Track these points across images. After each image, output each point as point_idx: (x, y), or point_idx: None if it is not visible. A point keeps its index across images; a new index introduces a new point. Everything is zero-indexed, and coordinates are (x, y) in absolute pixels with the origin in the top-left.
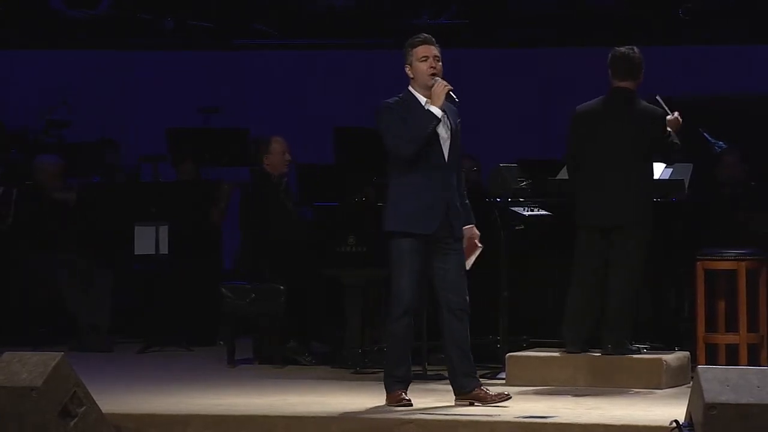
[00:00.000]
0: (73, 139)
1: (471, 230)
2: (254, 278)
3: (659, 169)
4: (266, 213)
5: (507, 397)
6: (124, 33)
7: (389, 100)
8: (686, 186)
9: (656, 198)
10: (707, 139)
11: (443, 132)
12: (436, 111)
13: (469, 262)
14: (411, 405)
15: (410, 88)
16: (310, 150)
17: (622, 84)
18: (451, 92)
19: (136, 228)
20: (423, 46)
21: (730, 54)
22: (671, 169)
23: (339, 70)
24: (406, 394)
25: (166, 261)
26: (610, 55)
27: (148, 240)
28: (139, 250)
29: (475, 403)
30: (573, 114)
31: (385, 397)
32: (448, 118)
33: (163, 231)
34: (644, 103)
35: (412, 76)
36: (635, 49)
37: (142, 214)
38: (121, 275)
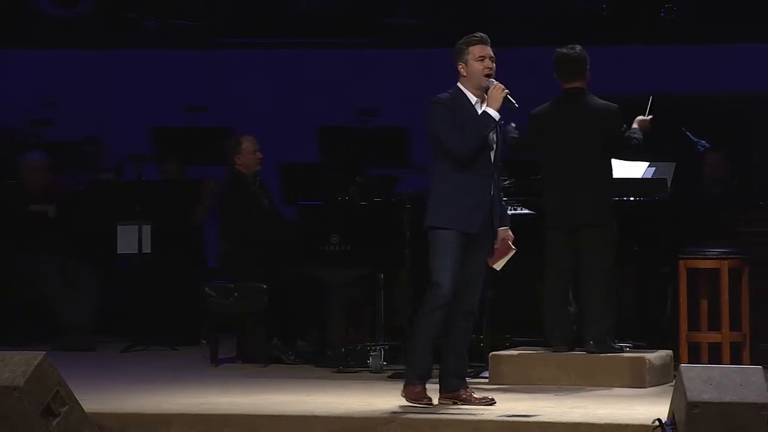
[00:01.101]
0: (57, 138)
1: (506, 232)
2: (238, 277)
3: (642, 168)
4: (243, 213)
5: (491, 402)
6: (109, 32)
7: (441, 96)
8: (669, 185)
9: (639, 197)
10: (690, 138)
11: (493, 134)
12: (495, 114)
13: (501, 264)
14: (432, 404)
15: (460, 85)
16: (294, 149)
17: (573, 84)
18: (509, 96)
19: (118, 227)
20: (480, 45)
21: (713, 54)
22: (654, 168)
23: (323, 69)
24: (425, 390)
25: (150, 260)
26: (553, 57)
27: (131, 239)
28: (121, 249)
29: (459, 403)
30: (529, 117)
31: (403, 389)
32: None
33: (146, 230)
34: (599, 100)
35: (465, 74)
36: (576, 47)
37: (125, 213)
38: (104, 274)
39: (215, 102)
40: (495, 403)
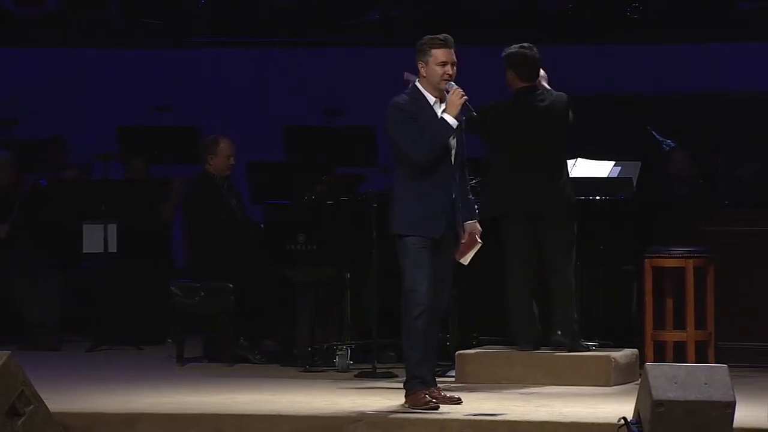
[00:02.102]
0: (23, 136)
1: (474, 225)
2: (204, 276)
3: (607, 168)
4: (208, 213)
5: (458, 401)
6: (75, 30)
7: (398, 99)
8: (634, 184)
9: (604, 196)
10: (656, 137)
11: (453, 138)
12: (452, 121)
13: (468, 258)
14: (438, 407)
15: (418, 84)
16: (263, 149)
17: (529, 83)
18: (467, 103)
19: (84, 226)
20: (443, 50)
21: (679, 53)
22: (620, 168)
23: (291, 68)
24: (428, 395)
25: (115, 259)
26: (511, 56)
27: (97, 238)
28: (87, 248)
29: None
30: (481, 108)
31: (407, 398)
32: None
33: (112, 229)
34: (553, 92)
35: (424, 74)
36: (533, 47)
37: (91, 212)
38: (69, 273)
39: (182, 101)
40: (461, 402)
